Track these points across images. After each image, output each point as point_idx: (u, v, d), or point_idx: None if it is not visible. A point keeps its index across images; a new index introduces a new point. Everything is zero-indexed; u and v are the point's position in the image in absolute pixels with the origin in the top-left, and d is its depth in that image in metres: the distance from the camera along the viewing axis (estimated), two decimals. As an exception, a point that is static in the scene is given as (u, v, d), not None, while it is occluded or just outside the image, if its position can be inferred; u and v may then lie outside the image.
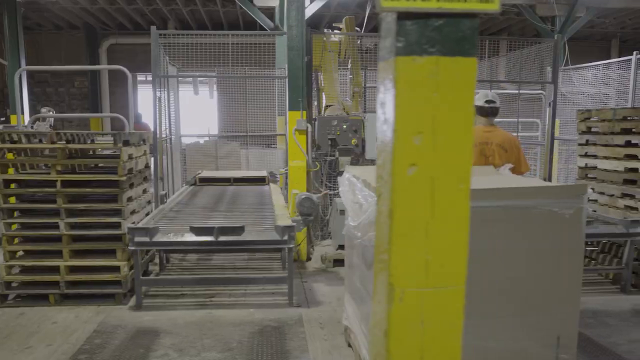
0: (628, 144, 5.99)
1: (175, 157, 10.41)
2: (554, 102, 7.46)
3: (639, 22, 15.12)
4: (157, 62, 6.91)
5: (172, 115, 9.79)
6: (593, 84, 9.90)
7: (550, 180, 7.61)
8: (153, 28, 6.96)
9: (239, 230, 4.96)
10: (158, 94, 7.69)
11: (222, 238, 4.93)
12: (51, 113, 10.06)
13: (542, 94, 12.01)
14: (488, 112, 4.55)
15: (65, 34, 16.56)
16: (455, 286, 1.58)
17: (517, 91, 11.28)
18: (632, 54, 8.64)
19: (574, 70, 10.49)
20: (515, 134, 12.01)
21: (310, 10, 11.47)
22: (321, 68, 8.33)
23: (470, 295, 3.04)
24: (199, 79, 9.74)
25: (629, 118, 5.99)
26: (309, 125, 6.86)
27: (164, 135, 9.43)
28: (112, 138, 5.10)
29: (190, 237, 4.96)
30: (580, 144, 6.80)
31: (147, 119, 12.11)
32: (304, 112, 6.84)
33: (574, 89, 10.41)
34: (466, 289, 3.11)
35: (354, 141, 6.85)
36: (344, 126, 6.85)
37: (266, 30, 11.45)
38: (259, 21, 11.71)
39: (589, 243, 6.57)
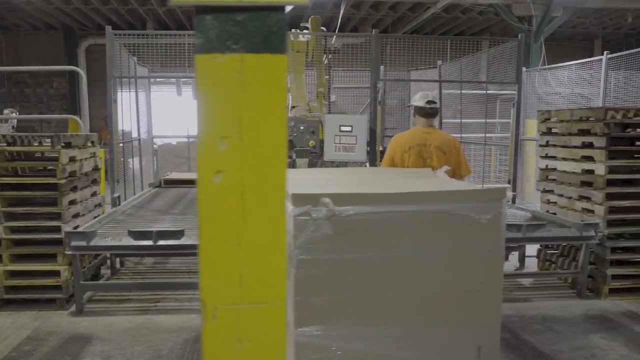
0: (585, 145, 5.88)
1: (146, 158, 10.30)
2: (518, 103, 7.35)
3: (620, 22, 15.02)
4: (113, 62, 6.79)
5: (142, 116, 9.69)
6: (566, 84, 9.80)
7: (515, 183, 7.49)
8: (108, 28, 6.84)
9: (179, 234, 4.84)
10: (127, 94, 7.56)
11: (160, 242, 4.81)
12: (14, 115, 9.92)
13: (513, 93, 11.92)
14: (428, 112, 4.44)
15: (44, 34, 16.42)
16: (274, 302, 1.46)
17: (494, 92, 11.23)
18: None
19: (549, 70, 10.39)
20: (494, 135, 12.00)
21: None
22: (288, 68, 8.22)
23: (382, 303, 2.94)
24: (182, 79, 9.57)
25: (585, 119, 5.88)
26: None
27: (134, 136, 9.34)
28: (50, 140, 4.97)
29: (128, 242, 4.84)
30: (541, 145, 6.70)
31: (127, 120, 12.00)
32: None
33: (548, 90, 10.31)
34: (379, 298, 3.00)
35: (311, 143, 6.73)
36: (301, 127, 6.73)
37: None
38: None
39: (548, 246, 6.47)
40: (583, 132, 5.90)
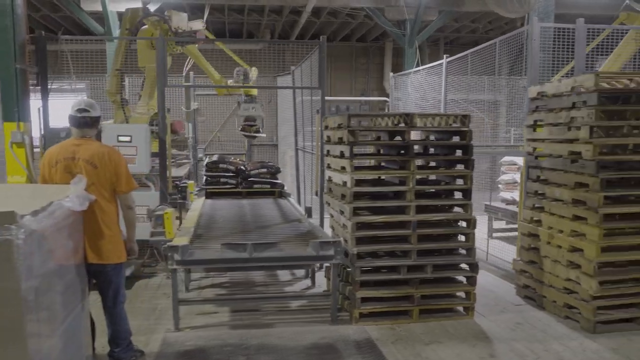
0: (342, 154, 5.39)
1: None
2: (322, 109, 6.85)
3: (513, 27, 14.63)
4: None
5: None
6: (417, 88, 9.36)
7: (322, 193, 6.99)
8: None
9: None
10: None
11: None
12: None
13: (386, 100, 11.50)
14: (80, 122, 3.91)
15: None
16: None
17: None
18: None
19: (406, 75, 9.96)
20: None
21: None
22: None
23: None
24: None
25: (341, 126, 5.39)
26: (26, 137, 6.21)
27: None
28: None
29: None
30: (322, 155, 6.21)
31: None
32: (22, 124, 6.20)
33: (401, 95, 9.89)
34: None
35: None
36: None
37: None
38: (89, 27, 11.11)
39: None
40: (340, 141, 5.42)
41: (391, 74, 10.55)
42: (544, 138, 5.46)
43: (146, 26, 7.59)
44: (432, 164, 5.59)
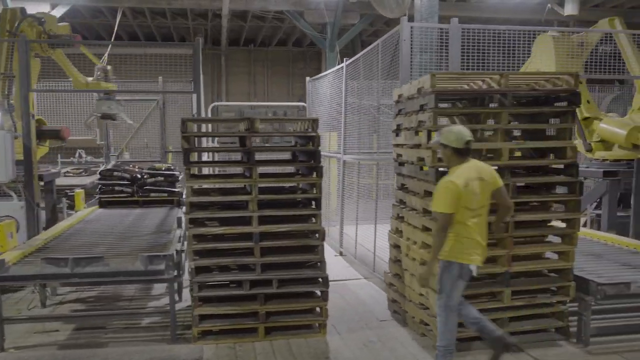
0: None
1: None
2: (198, 113, 6.50)
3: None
4: None
5: None
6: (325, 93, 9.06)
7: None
8: None
9: None
10: None
11: None
12: None
13: (303, 105, 11.18)
14: None
15: None
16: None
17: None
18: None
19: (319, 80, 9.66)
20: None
21: (56, 13, 10.54)
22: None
23: None
24: None
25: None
26: None
27: None
28: None
29: None
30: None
31: None
32: None
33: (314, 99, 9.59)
34: None
35: None
36: None
37: None
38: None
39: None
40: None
41: (308, 78, 10.24)
42: (403, 143, 5.17)
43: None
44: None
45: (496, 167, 4.31)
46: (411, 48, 6.05)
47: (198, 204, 4.96)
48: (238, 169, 5.51)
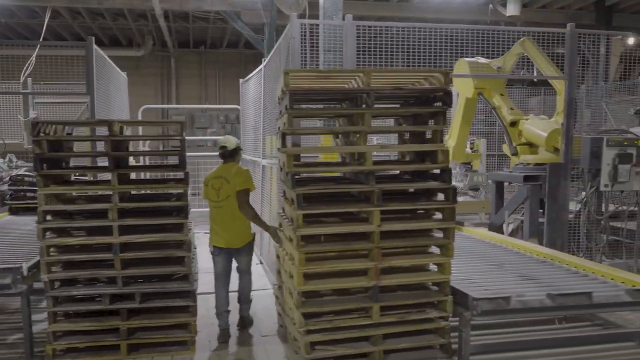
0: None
1: None
2: (92, 116, 6.17)
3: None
4: None
5: None
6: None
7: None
8: None
9: None
10: None
11: None
12: None
13: (237, 108, 10.85)
14: None
15: None
16: None
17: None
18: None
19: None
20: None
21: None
22: None
23: None
24: None
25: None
26: None
27: None
28: None
29: None
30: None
31: None
32: None
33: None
34: None
35: None
36: None
37: None
38: None
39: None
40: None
41: (240, 80, 9.91)
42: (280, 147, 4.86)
43: None
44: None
45: (362, 172, 4.02)
46: (317, 46, 5.82)
47: (58, 212, 4.62)
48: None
